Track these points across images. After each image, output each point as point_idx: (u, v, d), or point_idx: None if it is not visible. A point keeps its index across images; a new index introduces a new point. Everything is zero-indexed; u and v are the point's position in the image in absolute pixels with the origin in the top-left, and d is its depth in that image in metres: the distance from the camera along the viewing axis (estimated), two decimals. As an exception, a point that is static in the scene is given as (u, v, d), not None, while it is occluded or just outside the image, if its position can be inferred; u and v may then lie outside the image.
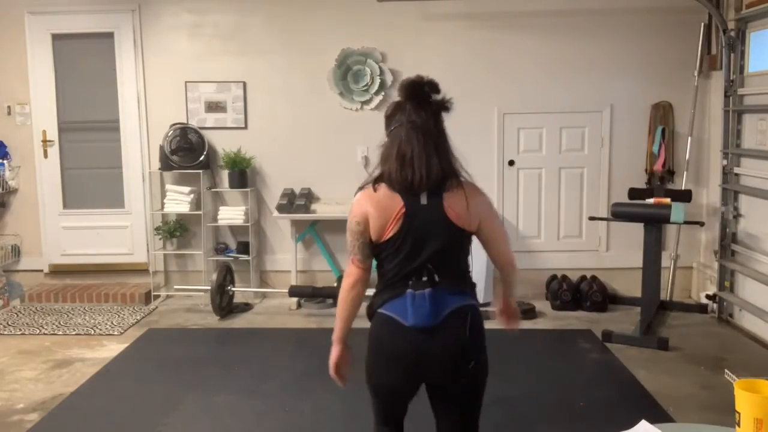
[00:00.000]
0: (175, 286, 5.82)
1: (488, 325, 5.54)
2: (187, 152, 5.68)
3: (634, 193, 5.27)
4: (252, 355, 4.55)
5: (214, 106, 5.86)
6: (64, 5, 5.84)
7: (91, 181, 6.05)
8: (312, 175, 5.87)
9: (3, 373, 4.29)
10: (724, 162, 5.18)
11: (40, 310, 5.61)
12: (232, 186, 5.76)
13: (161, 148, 5.71)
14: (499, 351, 4.58)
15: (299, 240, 5.77)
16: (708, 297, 5.33)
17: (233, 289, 5.60)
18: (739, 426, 1.63)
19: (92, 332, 5.06)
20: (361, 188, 2.24)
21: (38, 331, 5.10)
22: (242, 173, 5.72)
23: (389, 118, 2.25)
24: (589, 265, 5.78)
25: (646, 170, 5.71)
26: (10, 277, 5.98)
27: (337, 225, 5.76)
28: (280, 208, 5.60)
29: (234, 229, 5.95)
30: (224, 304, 5.47)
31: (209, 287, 5.37)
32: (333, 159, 5.81)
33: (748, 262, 4.95)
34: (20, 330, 5.12)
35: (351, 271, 2.28)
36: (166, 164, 5.73)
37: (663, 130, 5.57)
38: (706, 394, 3.85)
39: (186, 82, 5.83)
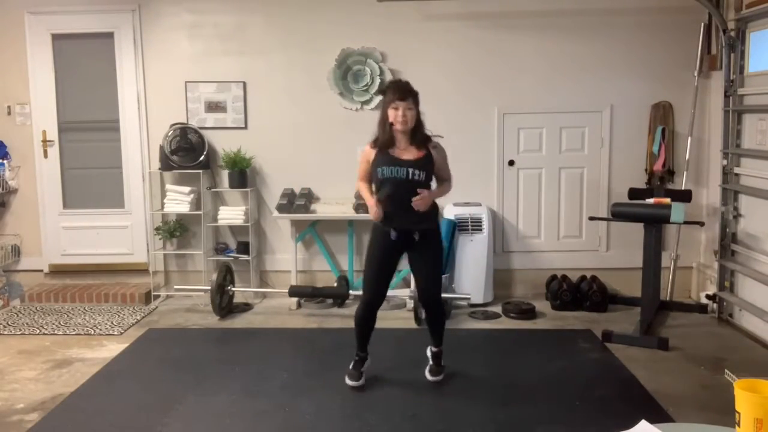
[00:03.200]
0: (175, 286, 5.82)
1: (489, 325, 5.54)
2: (187, 152, 5.68)
3: (634, 193, 5.27)
4: (252, 355, 4.55)
5: (214, 106, 5.86)
6: (64, 5, 5.84)
7: (91, 181, 6.05)
8: (312, 175, 5.87)
9: (3, 373, 4.29)
10: (724, 162, 5.18)
11: (40, 310, 5.61)
12: (232, 186, 5.76)
13: (161, 148, 5.71)
14: (499, 351, 4.60)
15: (299, 240, 5.77)
16: (708, 297, 5.33)
17: (233, 289, 5.59)
18: (739, 426, 1.63)
19: (92, 332, 5.06)
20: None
21: (38, 331, 5.10)
22: (242, 173, 5.72)
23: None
24: (589, 265, 5.78)
25: (646, 170, 5.71)
26: (10, 277, 5.98)
27: (337, 225, 5.77)
28: (280, 208, 5.60)
29: (234, 229, 5.96)
30: (224, 304, 5.47)
31: (209, 287, 5.36)
32: (333, 159, 5.81)
33: (748, 262, 4.95)
34: (20, 330, 5.12)
35: None
36: (166, 164, 5.73)
37: (663, 130, 5.57)
38: (706, 394, 3.85)
39: (186, 82, 5.83)
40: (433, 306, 3.89)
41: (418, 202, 3.59)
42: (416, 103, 3.68)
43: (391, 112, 3.64)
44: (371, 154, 3.75)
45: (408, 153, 3.69)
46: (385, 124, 3.69)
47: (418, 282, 3.87)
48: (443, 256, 3.96)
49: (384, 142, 3.70)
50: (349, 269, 5.78)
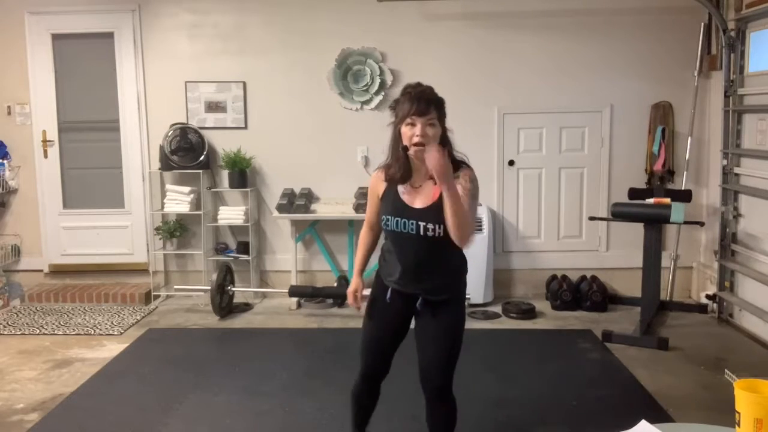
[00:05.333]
0: (175, 286, 5.82)
1: (489, 325, 5.54)
2: (187, 152, 5.68)
3: (634, 193, 5.26)
4: (252, 355, 4.55)
5: (214, 106, 5.86)
6: (64, 5, 5.84)
7: (91, 181, 6.05)
8: (312, 175, 5.87)
9: (3, 373, 4.29)
10: (724, 162, 5.18)
11: (40, 310, 5.61)
12: (232, 186, 5.76)
13: (161, 148, 5.71)
14: (499, 351, 4.61)
15: (299, 240, 5.77)
16: (708, 297, 5.33)
17: (233, 289, 5.60)
18: (739, 426, 1.63)
19: (92, 332, 5.06)
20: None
21: (38, 331, 5.10)
22: (242, 173, 5.71)
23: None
24: (589, 265, 5.78)
25: (646, 170, 5.71)
26: (10, 277, 5.98)
27: (337, 225, 5.77)
28: (280, 208, 5.60)
29: (234, 229, 5.96)
30: (224, 304, 5.47)
31: (209, 287, 5.37)
32: (333, 159, 5.81)
33: (748, 262, 4.95)
34: (20, 330, 5.12)
35: None
36: (166, 164, 5.73)
37: (663, 130, 5.57)
38: (706, 394, 3.85)
39: (186, 82, 5.83)
40: (436, 398, 2.73)
41: (431, 154, 2.39)
42: (441, 115, 2.56)
43: (405, 131, 2.52)
44: (380, 186, 2.70)
45: (422, 194, 2.59)
46: (398, 147, 2.58)
47: (419, 360, 2.73)
48: (460, 328, 2.72)
49: (397, 174, 2.62)
50: (349, 269, 5.78)
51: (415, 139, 2.49)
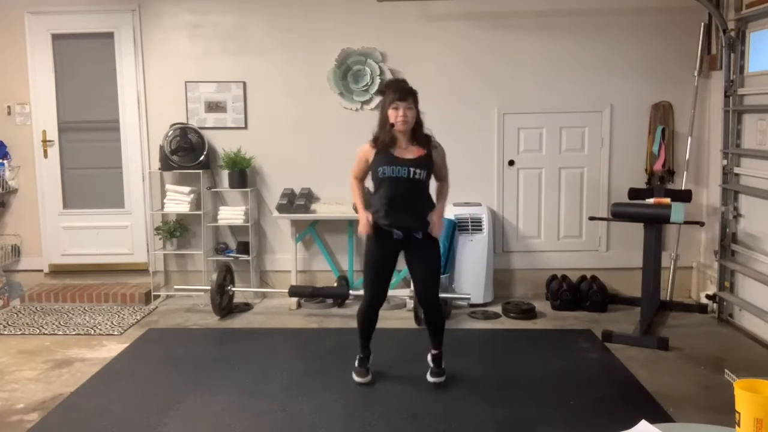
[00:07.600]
0: (175, 286, 5.82)
1: (489, 325, 5.53)
2: (187, 152, 5.68)
3: (634, 193, 5.27)
4: (252, 355, 4.55)
5: (214, 106, 5.86)
6: (64, 5, 5.84)
7: (91, 181, 6.05)
8: (312, 175, 5.87)
9: (3, 373, 4.29)
10: (724, 162, 5.18)
11: (40, 310, 5.61)
12: (232, 186, 5.76)
13: (161, 148, 5.71)
14: (499, 351, 4.61)
15: (299, 240, 5.77)
16: (708, 297, 5.33)
17: (233, 289, 5.59)
18: (739, 426, 1.63)
19: (92, 332, 5.06)
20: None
21: (38, 331, 5.10)
22: (242, 173, 5.72)
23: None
24: (589, 265, 5.78)
25: (646, 170, 5.71)
26: (10, 277, 5.98)
27: (337, 225, 5.77)
28: (280, 208, 5.60)
29: (234, 229, 5.96)
30: (224, 304, 5.47)
31: (209, 287, 5.37)
32: (333, 159, 5.80)
33: (748, 262, 4.95)
34: (20, 330, 5.12)
35: None
36: (166, 164, 5.73)
37: (663, 130, 5.57)
38: (706, 394, 3.85)
39: (186, 82, 5.83)
40: (433, 306, 3.90)
41: (436, 229, 3.76)
42: (416, 102, 3.71)
43: (391, 113, 3.67)
44: (371, 153, 3.78)
45: (409, 153, 3.72)
46: (385, 124, 3.71)
47: (416, 283, 3.90)
48: (441, 257, 3.97)
49: (385, 143, 3.72)
50: (349, 269, 5.78)
51: (399, 118, 3.64)
